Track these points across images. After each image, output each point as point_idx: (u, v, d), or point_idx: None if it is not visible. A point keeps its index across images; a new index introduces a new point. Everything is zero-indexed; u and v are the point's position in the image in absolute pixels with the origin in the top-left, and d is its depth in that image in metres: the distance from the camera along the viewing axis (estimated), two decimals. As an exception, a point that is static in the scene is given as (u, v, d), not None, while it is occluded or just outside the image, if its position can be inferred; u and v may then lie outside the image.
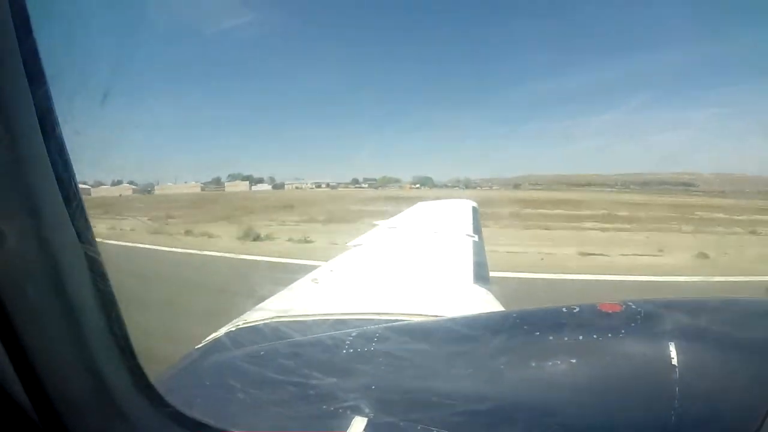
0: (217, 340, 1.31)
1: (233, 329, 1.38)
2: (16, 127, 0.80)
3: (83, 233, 0.87)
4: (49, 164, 0.83)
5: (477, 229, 3.35)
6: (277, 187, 43.97)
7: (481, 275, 2.04)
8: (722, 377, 0.64)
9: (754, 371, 0.65)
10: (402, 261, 2.50)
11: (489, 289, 1.84)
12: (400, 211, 4.66)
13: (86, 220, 0.91)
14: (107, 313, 0.83)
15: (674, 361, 0.64)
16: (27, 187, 0.80)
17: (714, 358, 0.66)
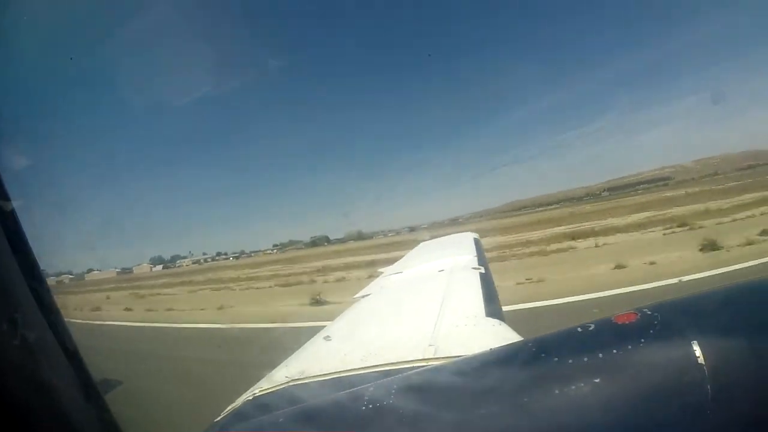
0: (236, 412, 1.29)
1: (251, 398, 1.37)
2: None
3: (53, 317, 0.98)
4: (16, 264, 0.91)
5: (482, 261, 3.32)
6: (168, 266, 49.94)
7: (492, 307, 2.02)
8: (753, 364, 0.63)
9: None
10: (411, 306, 2.48)
11: (502, 320, 1.80)
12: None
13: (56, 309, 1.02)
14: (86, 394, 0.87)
15: (700, 360, 0.63)
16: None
17: (741, 347, 0.65)
